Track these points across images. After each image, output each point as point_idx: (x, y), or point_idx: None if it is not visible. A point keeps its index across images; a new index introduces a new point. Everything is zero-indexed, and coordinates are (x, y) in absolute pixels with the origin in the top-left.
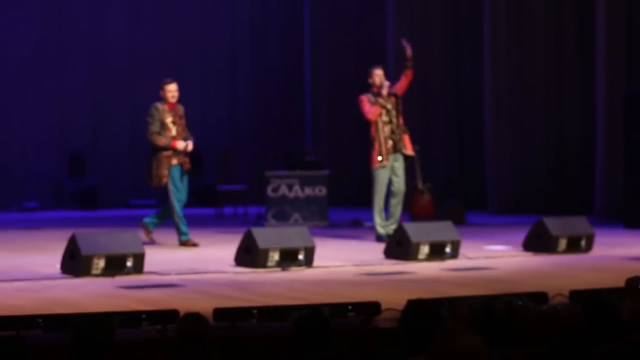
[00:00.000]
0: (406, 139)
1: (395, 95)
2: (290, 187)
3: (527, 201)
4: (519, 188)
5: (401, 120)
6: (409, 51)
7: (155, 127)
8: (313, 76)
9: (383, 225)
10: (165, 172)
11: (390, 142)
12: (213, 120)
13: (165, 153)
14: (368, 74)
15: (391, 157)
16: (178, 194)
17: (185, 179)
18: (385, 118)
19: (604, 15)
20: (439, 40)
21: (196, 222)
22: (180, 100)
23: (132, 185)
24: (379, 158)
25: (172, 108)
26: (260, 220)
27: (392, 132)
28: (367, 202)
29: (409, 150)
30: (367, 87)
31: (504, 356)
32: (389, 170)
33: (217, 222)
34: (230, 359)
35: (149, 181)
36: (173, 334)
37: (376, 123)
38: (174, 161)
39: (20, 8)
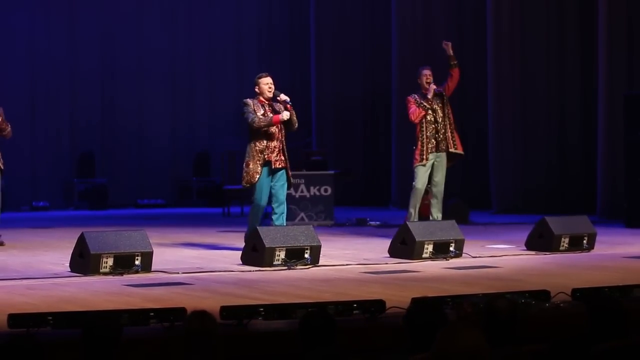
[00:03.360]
0: (456, 138)
1: (442, 95)
2: (296, 187)
3: (529, 201)
4: (522, 188)
5: (451, 119)
6: (449, 50)
7: (254, 116)
8: (318, 77)
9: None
10: (258, 169)
11: (433, 142)
12: (220, 121)
13: (257, 148)
14: (417, 74)
15: (432, 155)
16: (257, 194)
17: (277, 177)
18: (429, 118)
19: (605, 15)
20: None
21: (203, 221)
22: (188, 101)
23: (140, 185)
24: (420, 157)
25: (262, 102)
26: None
27: (436, 131)
28: (371, 202)
29: (458, 149)
30: (370, 87)
31: (507, 353)
32: (429, 169)
33: (223, 221)
34: (237, 356)
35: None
36: (180, 331)
37: (420, 123)
38: (265, 157)
39: (31, 11)
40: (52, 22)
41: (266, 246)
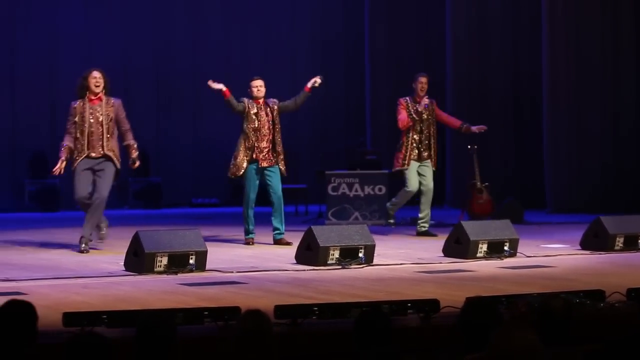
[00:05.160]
0: (433, 154)
1: (432, 110)
2: (350, 186)
3: (584, 200)
4: (577, 187)
5: (435, 137)
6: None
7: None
8: (373, 76)
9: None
10: (244, 164)
11: (415, 151)
12: None
13: (246, 145)
14: (413, 79)
15: (415, 164)
16: (246, 187)
17: (270, 174)
18: (417, 127)
19: None
20: (497, 40)
21: (258, 220)
22: None
23: (194, 184)
24: (402, 163)
25: (258, 103)
26: (320, 219)
27: (420, 142)
28: None
29: (434, 167)
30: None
31: (562, 353)
32: (415, 170)
33: None
34: (291, 355)
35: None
36: (235, 330)
37: (407, 130)
38: (253, 156)
39: (86, 12)
40: (107, 23)
41: (320, 245)
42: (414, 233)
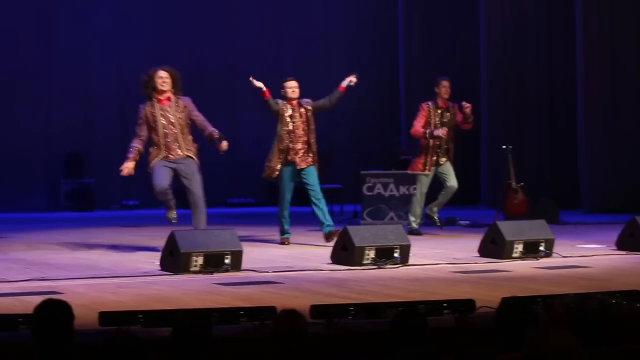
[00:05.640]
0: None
1: (454, 114)
2: (385, 186)
3: (620, 200)
4: (613, 187)
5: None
6: (468, 111)
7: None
8: (407, 76)
9: (418, 222)
10: (278, 166)
11: (435, 157)
12: None
13: (280, 148)
14: (435, 84)
15: (434, 168)
16: (281, 189)
17: (308, 175)
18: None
19: None
20: (531, 40)
21: (293, 221)
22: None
23: (228, 185)
24: (423, 167)
25: (292, 105)
26: (355, 219)
27: (439, 146)
28: (461, 201)
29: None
30: (459, 87)
31: (598, 354)
32: (431, 178)
33: (313, 221)
34: (327, 355)
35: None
36: (270, 330)
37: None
38: (288, 158)
39: (114, 9)
40: (139, 24)
41: (356, 245)
42: (448, 233)
